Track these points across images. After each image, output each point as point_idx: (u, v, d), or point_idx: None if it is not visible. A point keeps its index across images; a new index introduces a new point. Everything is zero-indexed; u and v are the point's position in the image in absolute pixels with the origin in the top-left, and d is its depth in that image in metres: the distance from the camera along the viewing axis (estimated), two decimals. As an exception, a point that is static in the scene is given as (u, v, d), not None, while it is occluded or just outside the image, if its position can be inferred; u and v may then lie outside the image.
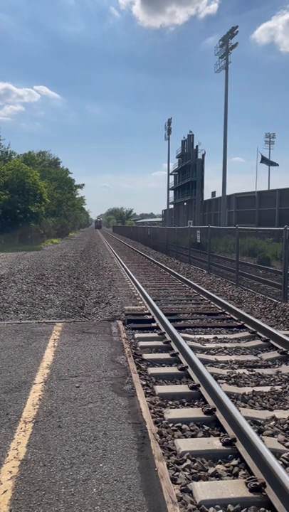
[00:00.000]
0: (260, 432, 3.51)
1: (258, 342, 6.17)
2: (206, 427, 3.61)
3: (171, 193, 64.02)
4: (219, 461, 3.13)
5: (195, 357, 4.88)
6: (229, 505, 2.59)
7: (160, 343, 5.99)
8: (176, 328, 6.42)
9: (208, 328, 7.09)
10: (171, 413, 3.84)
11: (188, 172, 51.35)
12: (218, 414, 3.70)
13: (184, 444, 3.29)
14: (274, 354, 5.61)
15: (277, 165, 53.58)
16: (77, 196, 63.48)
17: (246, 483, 2.75)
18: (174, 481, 2.83)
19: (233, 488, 2.73)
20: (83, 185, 61.34)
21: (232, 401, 3.84)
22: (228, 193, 36.92)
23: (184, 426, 3.62)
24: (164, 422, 3.71)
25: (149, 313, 7.81)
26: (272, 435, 3.49)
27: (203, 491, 2.71)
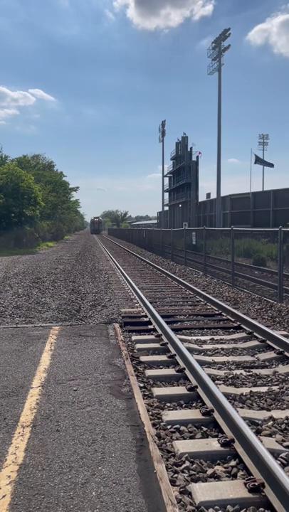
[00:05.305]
0: (258, 433, 3.52)
1: (254, 343, 6.19)
2: (204, 428, 3.62)
3: (166, 194, 64.15)
4: (218, 462, 3.13)
5: (192, 358, 4.88)
6: (228, 506, 2.60)
7: (157, 345, 5.99)
8: (172, 330, 6.43)
9: (205, 330, 7.10)
10: (169, 415, 3.84)
11: (182, 174, 51.45)
12: (216, 415, 3.70)
13: (183, 446, 3.29)
14: (271, 354, 5.63)
15: (273, 165, 53.76)
16: (72, 199, 63.52)
17: (245, 484, 2.76)
18: (173, 482, 2.84)
19: (232, 489, 2.74)
20: (77, 188, 61.41)
21: (230, 402, 3.85)
22: (223, 194, 37.07)
23: (182, 427, 3.62)
24: (162, 424, 3.71)
25: (146, 316, 7.82)
26: (270, 435, 3.50)
27: (202, 492, 2.71)
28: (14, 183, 30.31)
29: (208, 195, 45.21)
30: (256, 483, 2.71)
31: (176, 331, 6.67)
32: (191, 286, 11.37)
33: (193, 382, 4.48)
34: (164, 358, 5.50)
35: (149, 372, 4.94)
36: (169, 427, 3.65)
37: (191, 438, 3.48)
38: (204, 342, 6.34)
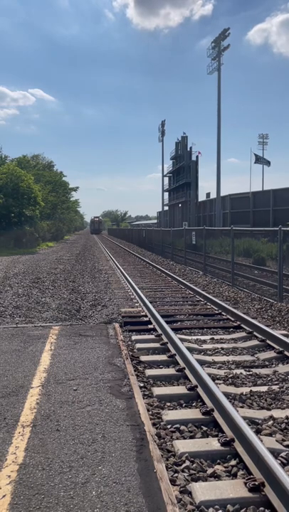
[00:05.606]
0: (258, 432, 3.52)
1: (254, 342, 6.19)
2: (205, 428, 3.62)
3: (166, 194, 64.14)
4: (218, 461, 3.13)
5: (192, 358, 4.88)
6: (228, 506, 2.60)
7: (157, 345, 5.99)
8: (172, 329, 6.43)
9: (205, 329, 7.10)
10: (169, 414, 3.84)
11: (182, 173, 51.44)
12: (216, 414, 3.70)
13: (183, 445, 3.29)
14: (271, 354, 5.63)
15: (269, 164, 53.91)
16: (71, 199, 63.52)
17: (245, 483, 2.76)
18: (173, 482, 2.84)
19: (232, 489, 2.74)
20: (77, 187, 61.36)
21: (230, 401, 3.85)
22: (222, 193, 37.08)
23: (182, 427, 3.62)
24: (162, 423, 3.70)
25: (146, 315, 7.82)
26: (270, 435, 3.50)
27: (203, 491, 2.71)
28: (14, 183, 30.30)
29: (208, 194, 45.25)
30: (256, 483, 2.71)
31: (176, 330, 6.67)
32: (191, 285, 11.37)
33: (193, 381, 4.48)
34: (164, 357, 5.50)
35: (149, 372, 4.94)
36: (169, 426, 3.65)
37: (191, 437, 3.48)
38: (204, 341, 6.34)
